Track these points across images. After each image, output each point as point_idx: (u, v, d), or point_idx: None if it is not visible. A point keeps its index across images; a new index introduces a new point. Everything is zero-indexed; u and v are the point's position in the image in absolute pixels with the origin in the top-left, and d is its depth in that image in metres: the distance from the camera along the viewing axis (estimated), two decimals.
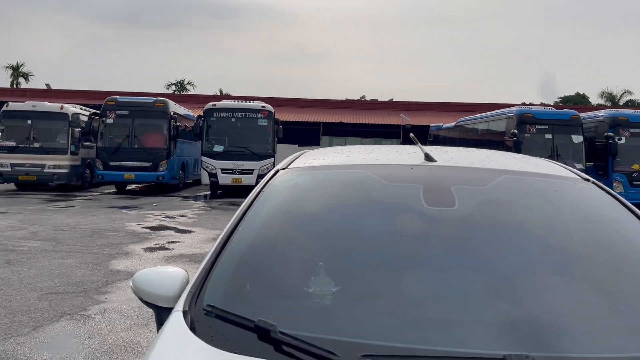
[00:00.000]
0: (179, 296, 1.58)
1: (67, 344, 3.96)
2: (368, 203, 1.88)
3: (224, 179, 16.67)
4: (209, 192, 17.74)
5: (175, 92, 49.07)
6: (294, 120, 29.84)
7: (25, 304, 4.91)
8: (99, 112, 17.48)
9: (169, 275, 1.69)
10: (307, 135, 31.05)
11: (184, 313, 1.44)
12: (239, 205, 1.94)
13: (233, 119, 17.28)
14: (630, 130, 17.63)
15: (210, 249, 1.70)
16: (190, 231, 9.78)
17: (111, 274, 6.17)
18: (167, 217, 11.73)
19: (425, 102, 37.27)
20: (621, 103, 50.67)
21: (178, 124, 17.90)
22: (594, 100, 56.22)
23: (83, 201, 14.53)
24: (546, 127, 17.33)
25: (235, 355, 1.25)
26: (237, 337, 1.30)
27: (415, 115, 32.48)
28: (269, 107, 17.59)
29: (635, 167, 17.47)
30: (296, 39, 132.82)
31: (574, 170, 2.11)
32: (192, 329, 1.37)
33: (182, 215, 12.06)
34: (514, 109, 18.11)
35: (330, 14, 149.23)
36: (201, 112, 17.88)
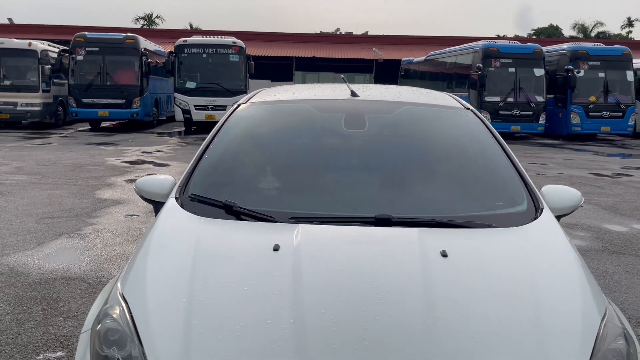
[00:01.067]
0: (169, 194, 2.27)
1: (70, 255, 4.67)
2: (304, 127, 2.60)
3: (198, 115, 17.05)
4: (183, 129, 18.15)
5: (144, 27, 47.75)
6: (266, 55, 29.78)
7: (25, 226, 5.56)
8: (68, 48, 17.41)
9: (162, 180, 2.41)
10: (280, 70, 31.10)
11: (176, 199, 2.16)
12: None
13: (204, 55, 17.42)
14: (590, 63, 18.14)
15: (192, 159, 2.39)
16: (167, 164, 10.39)
17: (98, 202, 6.81)
18: (144, 152, 12.26)
19: (400, 35, 37.26)
20: (593, 35, 51.12)
21: (149, 60, 17.98)
22: (567, 32, 56.67)
23: (59, 138, 14.86)
24: (510, 60, 17.76)
25: (211, 219, 1.97)
26: (212, 211, 2.02)
27: (389, 50, 32.65)
28: (239, 42, 17.71)
29: (592, 99, 18.27)
30: None
31: (461, 101, 2.81)
32: (182, 206, 2.09)
33: (159, 151, 12.61)
34: (479, 43, 18.47)
35: None
36: (172, 48, 17.94)
